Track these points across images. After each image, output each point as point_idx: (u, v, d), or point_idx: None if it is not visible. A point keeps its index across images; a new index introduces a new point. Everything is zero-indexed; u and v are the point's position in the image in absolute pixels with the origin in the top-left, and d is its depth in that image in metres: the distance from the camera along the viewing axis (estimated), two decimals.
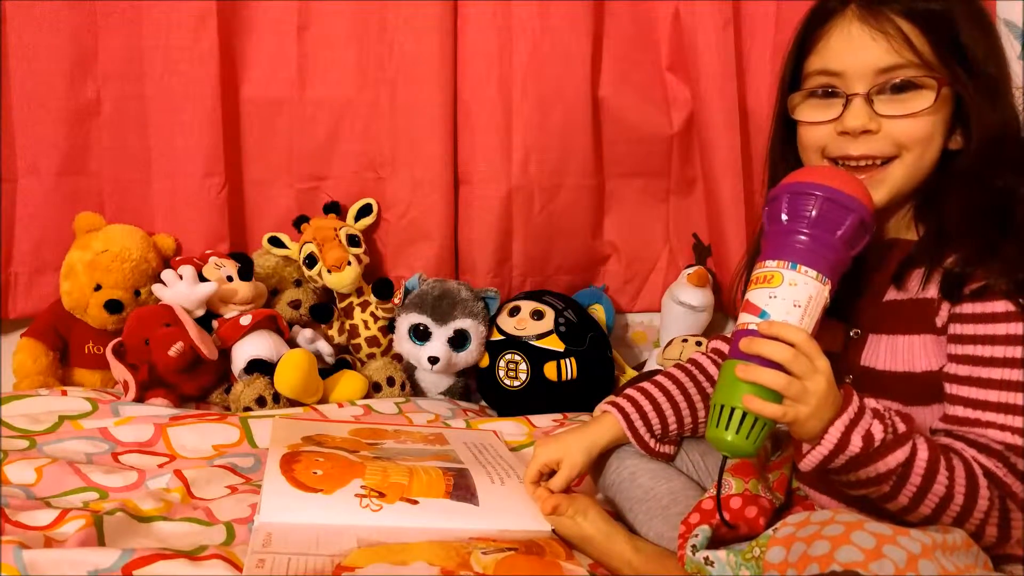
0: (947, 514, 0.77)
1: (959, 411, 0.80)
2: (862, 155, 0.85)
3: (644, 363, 1.74)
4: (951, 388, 0.81)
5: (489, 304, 1.59)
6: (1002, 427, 0.77)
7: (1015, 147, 0.83)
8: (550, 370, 1.53)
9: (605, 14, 1.70)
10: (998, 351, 0.78)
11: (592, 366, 1.57)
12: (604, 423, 1.04)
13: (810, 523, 0.70)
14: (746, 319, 0.78)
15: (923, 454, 0.76)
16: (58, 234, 1.62)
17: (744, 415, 0.76)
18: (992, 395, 0.78)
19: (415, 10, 1.63)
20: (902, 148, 0.84)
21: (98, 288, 1.54)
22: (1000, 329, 0.78)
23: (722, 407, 0.77)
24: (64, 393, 1.38)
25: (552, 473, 1.02)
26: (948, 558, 0.68)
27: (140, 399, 1.41)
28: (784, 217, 0.79)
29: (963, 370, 0.80)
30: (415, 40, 1.64)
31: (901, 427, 0.77)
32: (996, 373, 0.78)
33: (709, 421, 0.79)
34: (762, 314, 0.77)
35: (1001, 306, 0.78)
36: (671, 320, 1.71)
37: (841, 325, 0.91)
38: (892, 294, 0.86)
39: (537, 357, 1.54)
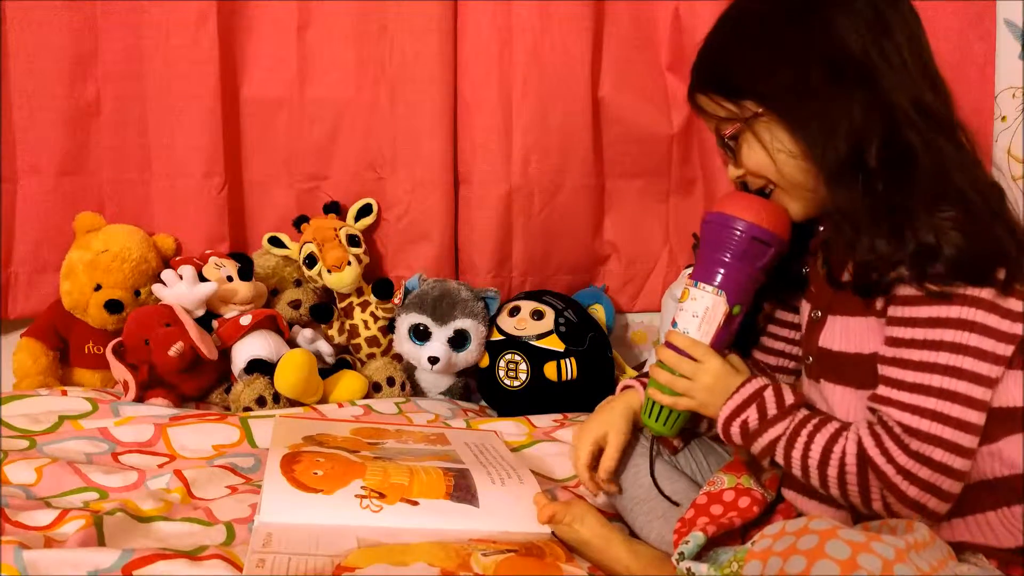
0: (829, 486, 0.83)
1: (880, 390, 0.82)
2: (755, 191, 0.93)
3: (644, 363, 1.74)
4: (880, 368, 0.83)
5: (489, 304, 1.59)
6: (905, 406, 0.79)
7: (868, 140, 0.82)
8: (550, 370, 1.53)
9: (605, 14, 1.70)
10: (919, 333, 0.79)
11: (592, 366, 1.57)
12: (630, 394, 1.06)
13: (786, 534, 0.71)
14: (670, 328, 0.97)
15: (806, 430, 0.85)
16: (58, 234, 1.62)
17: (656, 404, 0.96)
18: (909, 375, 0.79)
19: (415, 10, 1.63)
20: (767, 179, 0.91)
21: (98, 288, 1.54)
22: (923, 312, 0.79)
23: (647, 398, 0.98)
24: (64, 393, 1.38)
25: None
26: (921, 556, 0.68)
27: (140, 399, 1.41)
28: (700, 243, 0.95)
29: (890, 351, 0.81)
30: (415, 40, 1.64)
31: (784, 404, 0.87)
32: (916, 355, 0.79)
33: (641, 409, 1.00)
34: (673, 324, 0.96)
35: (921, 290, 0.79)
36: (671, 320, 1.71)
37: (808, 307, 0.95)
38: (847, 276, 0.87)
39: (537, 357, 1.54)
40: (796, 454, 0.85)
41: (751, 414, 0.88)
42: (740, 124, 0.89)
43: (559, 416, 1.45)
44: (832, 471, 0.82)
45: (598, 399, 1.48)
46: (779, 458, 0.86)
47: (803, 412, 0.87)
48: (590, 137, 1.72)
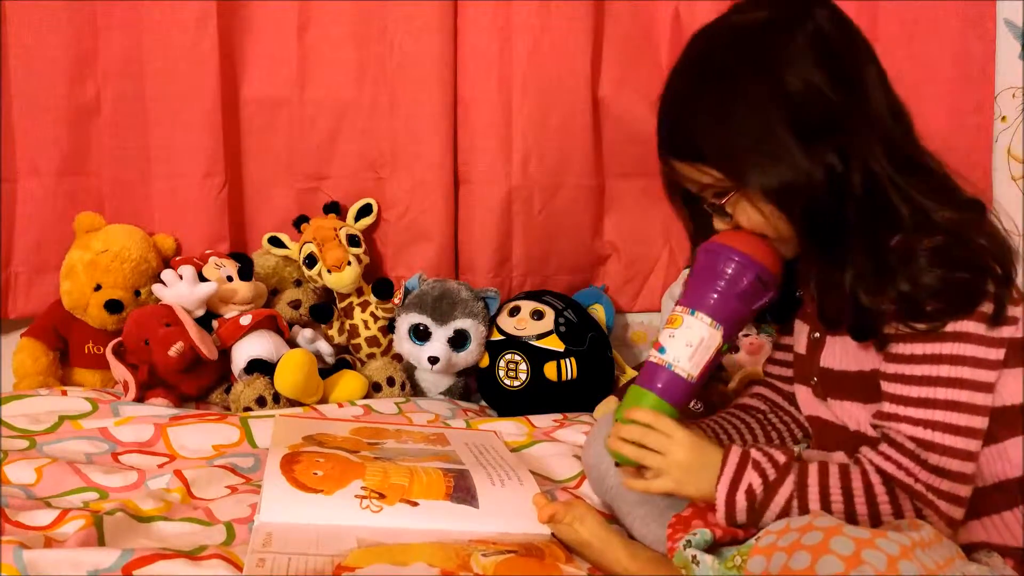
0: (859, 523, 0.80)
1: (885, 406, 0.83)
2: None
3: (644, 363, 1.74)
4: (884, 385, 0.83)
5: (489, 304, 1.59)
6: (916, 421, 0.79)
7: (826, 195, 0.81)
8: (550, 370, 1.53)
9: (605, 14, 1.70)
10: (918, 348, 0.80)
11: (592, 366, 1.57)
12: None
13: (790, 530, 0.71)
14: (651, 352, 0.93)
15: (813, 479, 0.82)
16: (58, 234, 1.62)
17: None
18: (914, 391, 0.80)
19: (415, 10, 1.63)
20: (763, 233, 0.89)
21: (98, 288, 1.54)
22: (918, 348, 0.80)
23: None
24: (64, 393, 1.38)
25: None
26: (926, 554, 0.68)
27: (140, 399, 1.41)
28: (697, 270, 0.92)
29: (891, 368, 0.82)
30: (415, 40, 1.64)
31: (780, 461, 0.84)
32: (919, 370, 0.80)
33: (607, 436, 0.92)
34: (661, 349, 0.91)
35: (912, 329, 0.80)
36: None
37: (807, 328, 0.94)
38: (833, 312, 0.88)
39: (537, 357, 1.54)
40: (815, 507, 0.81)
41: (753, 479, 0.83)
42: (729, 191, 0.87)
43: (559, 416, 1.45)
44: (861, 508, 0.80)
45: (598, 399, 1.50)
46: (794, 516, 0.82)
47: (795, 463, 0.84)
48: (590, 137, 1.72)
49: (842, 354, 0.89)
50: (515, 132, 1.68)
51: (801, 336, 0.96)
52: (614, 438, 0.90)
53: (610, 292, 1.82)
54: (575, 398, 1.53)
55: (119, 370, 1.44)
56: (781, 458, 0.84)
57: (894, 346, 0.81)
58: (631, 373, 1.68)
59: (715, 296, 0.89)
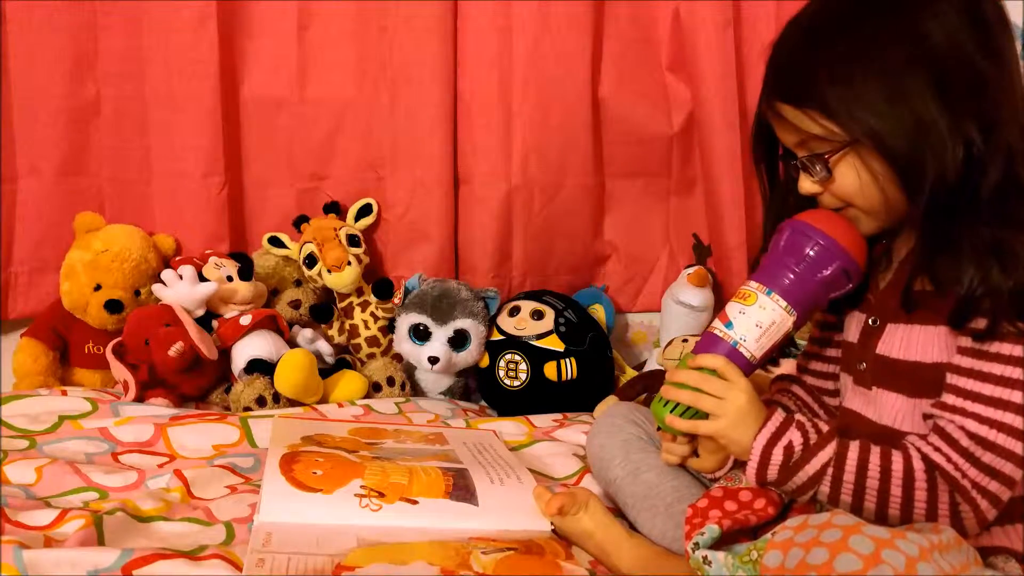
0: (891, 506, 0.80)
1: (949, 398, 0.80)
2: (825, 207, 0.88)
3: (644, 363, 1.74)
4: (951, 378, 0.81)
5: (489, 304, 1.59)
6: (982, 419, 0.78)
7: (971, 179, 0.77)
8: (550, 370, 1.53)
9: (605, 14, 1.70)
10: (1004, 348, 0.78)
11: (592, 366, 1.57)
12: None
13: (808, 527, 0.70)
14: (715, 323, 0.91)
15: (853, 453, 0.81)
16: (58, 234, 1.62)
17: (678, 406, 0.90)
18: (987, 388, 0.78)
19: (415, 10, 1.63)
20: (846, 200, 0.86)
21: (98, 288, 1.54)
22: (1011, 327, 0.78)
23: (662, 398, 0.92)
24: (64, 393, 1.38)
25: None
26: (945, 557, 0.68)
27: (140, 399, 1.41)
28: (779, 248, 0.89)
29: (967, 362, 0.80)
30: (415, 40, 1.64)
31: (823, 429, 0.83)
32: (999, 369, 0.78)
33: (657, 395, 0.92)
34: (728, 324, 0.89)
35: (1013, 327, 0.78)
36: (671, 320, 1.72)
37: (864, 316, 0.92)
38: (919, 284, 0.84)
39: (537, 357, 1.54)
40: (849, 478, 0.80)
41: (794, 437, 0.83)
42: (843, 146, 0.81)
43: (559, 416, 1.45)
44: (896, 489, 0.79)
45: (598, 399, 1.50)
46: (827, 485, 0.81)
47: (837, 437, 0.83)
48: (590, 137, 1.72)
49: (903, 343, 0.86)
50: (515, 132, 1.68)
51: (853, 324, 0.93)
52: (668, 385, 0.89)
53: (610, 292, 1.82)
54: (575, 398, 1.53)
55: (119, 370, 1.43)
56: (824, 427, 0.84)
57: (980, 342, 0.79)
58: (631, 373, 1.68)
59: (796, 280, 0.86)
